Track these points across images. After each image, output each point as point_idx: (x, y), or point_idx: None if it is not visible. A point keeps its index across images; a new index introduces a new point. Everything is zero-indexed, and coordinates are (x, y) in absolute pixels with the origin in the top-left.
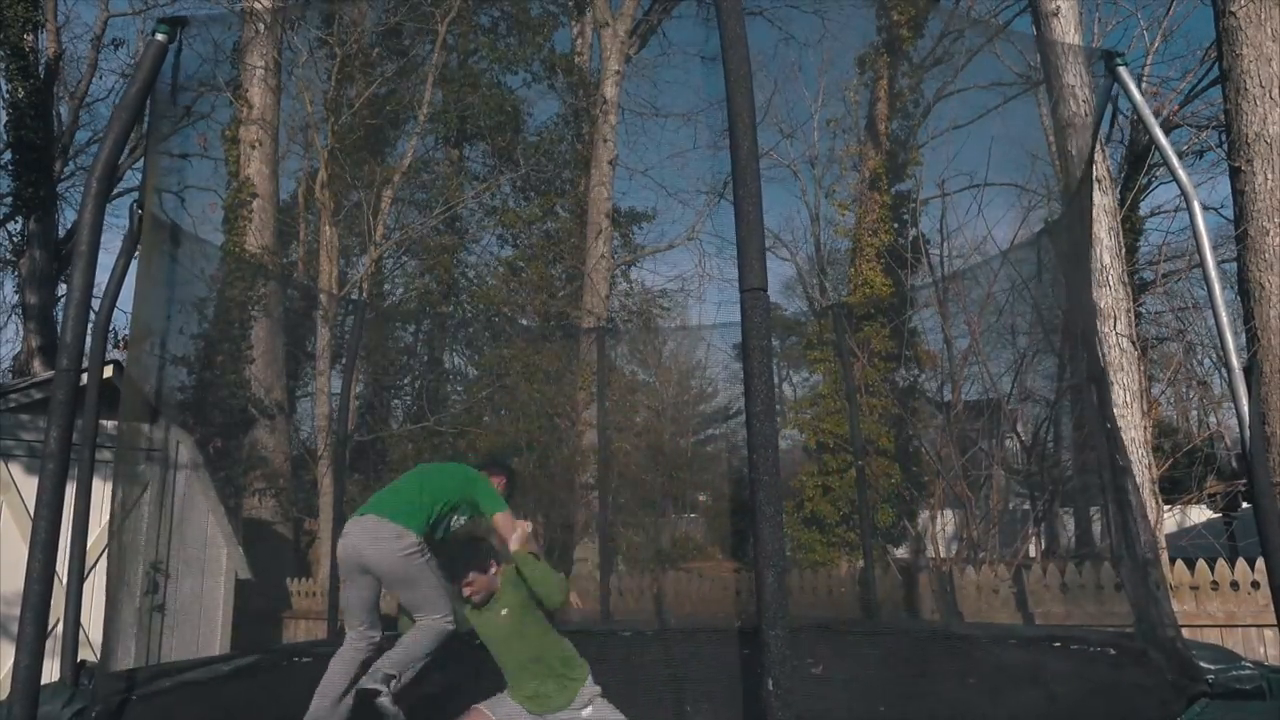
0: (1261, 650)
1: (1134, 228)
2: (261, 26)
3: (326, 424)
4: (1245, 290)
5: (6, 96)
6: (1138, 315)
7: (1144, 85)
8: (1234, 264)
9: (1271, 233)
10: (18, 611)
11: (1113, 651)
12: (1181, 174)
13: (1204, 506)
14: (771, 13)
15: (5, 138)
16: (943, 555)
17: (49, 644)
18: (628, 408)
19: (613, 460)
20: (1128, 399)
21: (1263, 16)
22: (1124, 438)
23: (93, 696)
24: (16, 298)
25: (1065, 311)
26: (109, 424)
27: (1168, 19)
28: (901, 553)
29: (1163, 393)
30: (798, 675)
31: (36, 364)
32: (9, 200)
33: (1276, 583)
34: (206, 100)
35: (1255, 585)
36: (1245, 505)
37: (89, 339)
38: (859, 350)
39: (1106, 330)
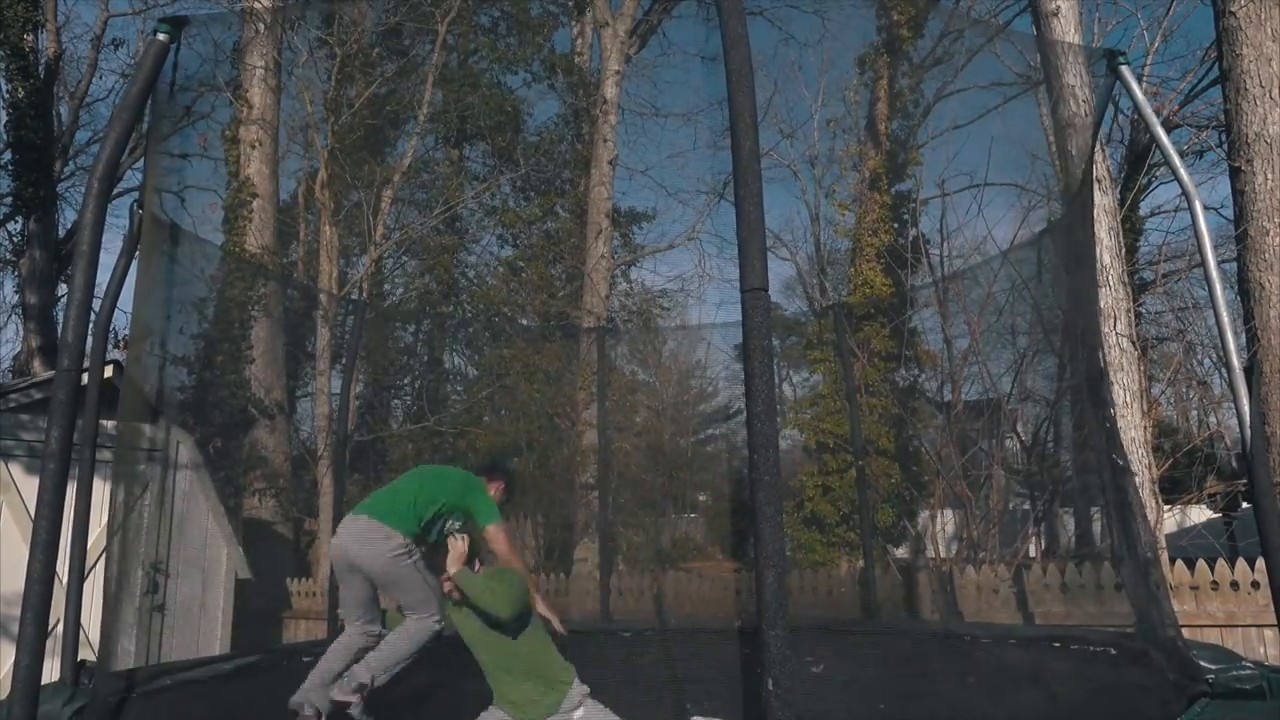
0: (1261, 650)
1: (1134, 228)
2: (261, 26)
3: (326, 424)
4: (1245, 290)
5: (6, 96)
6: (1138, 315)
7: (1144, 85)
8: (1234, 264)
9: (1271, 233)
10: (18, 611)
11: (1113, 651)
12: (1183, 173)
13: (1204, 506)
14: (771, 13)
15: (5, 138)
16: (943, 555)
17: (49, 644)
18: (628, 408)
19: (613, 460)
20: (1128, 399)
21: (1263, 16)
22: (1124, 438)
23: (92, 696)
24: (16, 298)
25: (1066, 311)
26: (109, 424)
27: (1168, 19)
28: (901, 553)
29: (1163, 393)
30: (798, 675)
31: (36, 364)
32: (9, 200)
33: (1276, 583)
34: (206, 100)
35: (1255, 585)
36: (1245, 505)
37: (89, 339)
38: (859, 350)
39: (1106, 330)
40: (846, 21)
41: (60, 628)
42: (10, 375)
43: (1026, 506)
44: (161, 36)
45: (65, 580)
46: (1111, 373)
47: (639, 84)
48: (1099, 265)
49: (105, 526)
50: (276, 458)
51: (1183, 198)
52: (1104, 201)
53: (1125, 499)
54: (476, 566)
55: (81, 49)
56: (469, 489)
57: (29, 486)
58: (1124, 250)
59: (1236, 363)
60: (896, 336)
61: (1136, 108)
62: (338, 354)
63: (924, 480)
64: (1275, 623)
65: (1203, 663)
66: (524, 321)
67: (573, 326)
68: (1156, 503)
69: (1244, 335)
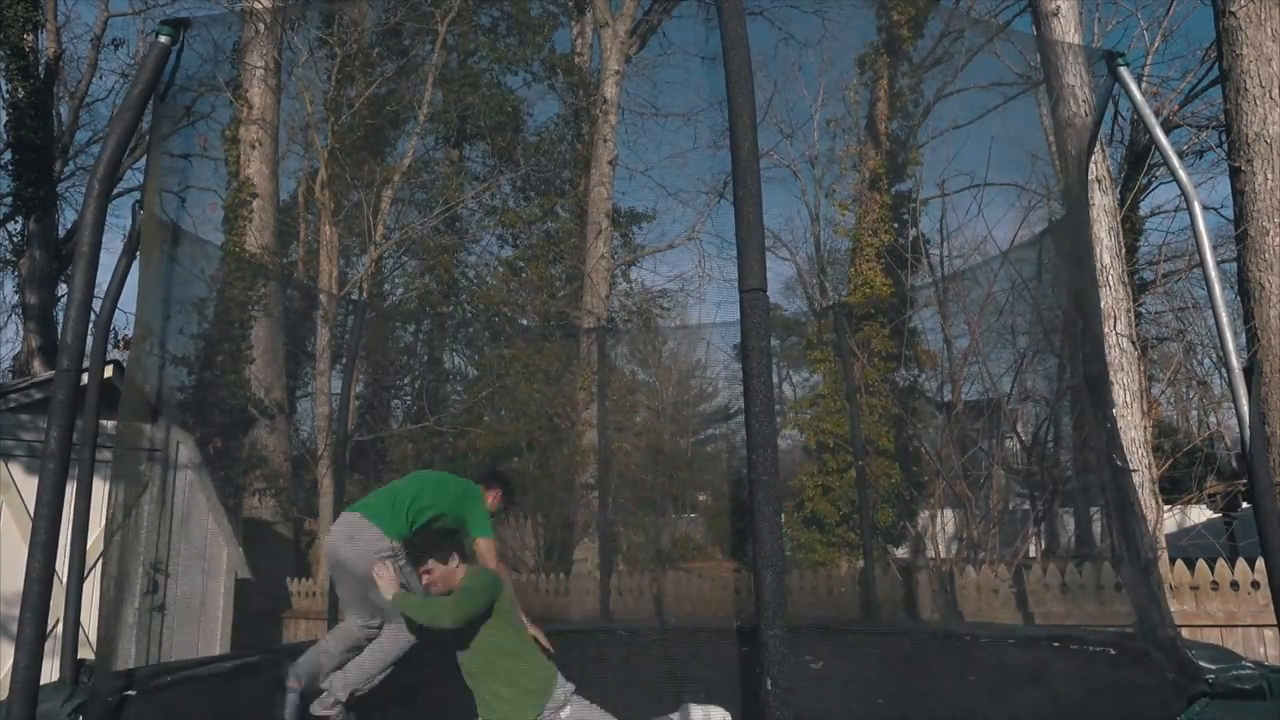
0: (1261, 650)
1: (1134, 228)
2: (261, 26)
3: (326, 424)
4: (1245, 290)
5: (6, 96)
6: (1138, 315)
7: (1144, 85)
8: (1234, 264)
9: (1271, 233)
10: (18, 611)
11: (1113, 651)
12: (1182, 174)
13: (1204, 506)
14: (771, 13)
15: (5, 138)
16: (943, 555)
17: (50, 644)
18: (628, 408)
19: (613, 460)
20: (1128, 399)
21: (1263, 16)
22: (1124, 438)
23: (92, 695)
24: (16, 298)
25: (1066, 311)
26: (109, 424)
27: (1168, 19)
28: (901, 553)
29: (1163, 393)
30: (797, 675)
31: (36, 364)
32: (9, 200)
33: (1276, 583)
34: (207, 100)
35: (1255, 585)
36: (1245, 505)
37: (89, 339)
38: (859, 350)
39: (1106, 330)
40: (846, 21)
41: (60, 627)
42: (10, 375)
43: (1026, 506)
44: (163, 38)
45: (65, 580)
46: (1111, 373)
47: (639, 84)
48: (1099, 265)
49: (105, 526)
50: (276, 458)
51: (1182, 198)
52: (1104, 201)
53: (1125, 499)
54: (455, 560)
55: (81, 49)
56: (466, 498)
57: (29, 486)
58: (1124, 250)
59: (1236, 363)
60: (896, 336)
61: (1135, 109)
62: (338, 354)
63: (924, 480)
64: (1275, 623)
65: (1202, 663)
66: (524, 321)
67: (573, 326)
68: (1156, 503)
69: (1244, 335)
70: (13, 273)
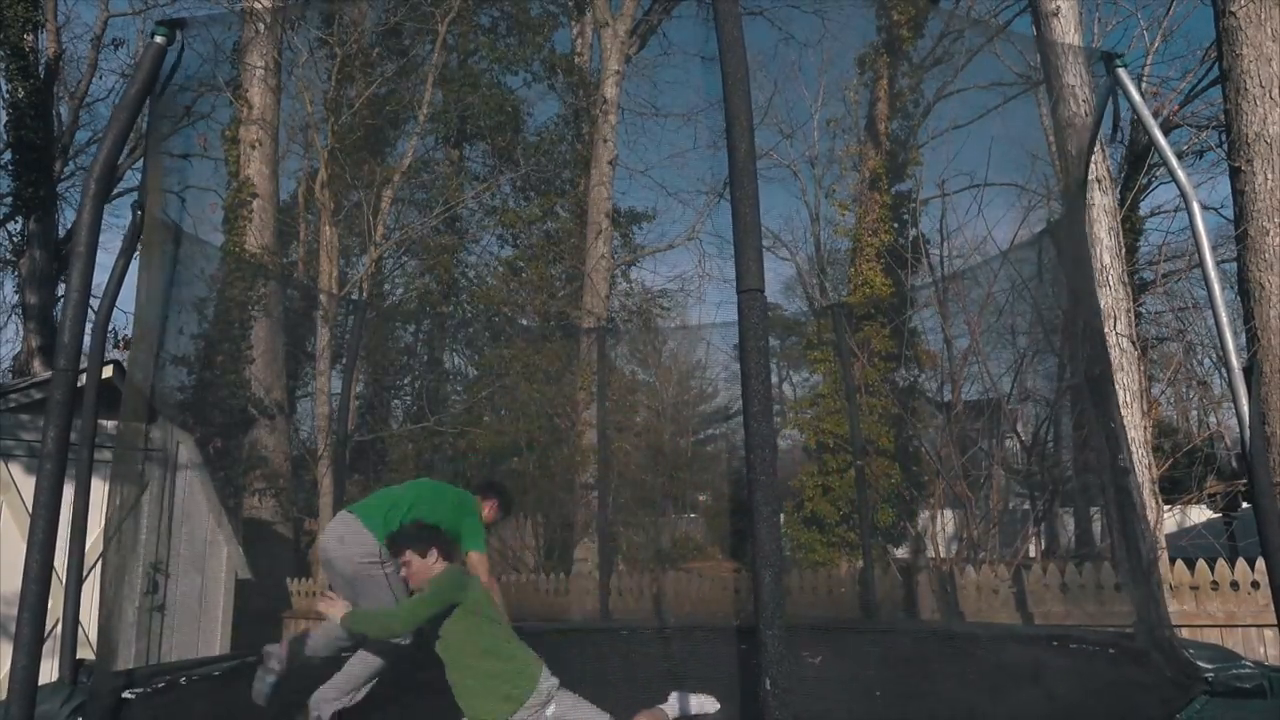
0: (1261, 650)
1: (1134, 228)
2: (261, 26)
3: (326, 424)
4: (1245, 290)
5: (6, 96)
6: (1138, 315)
7: (1144, 85)
8: (1234, 264)
9: (1271, 233)
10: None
11: (1112, 651)
12: (1180, 174)
13: (1204, 506)
14: (771, 13)
15: (5, 138)
16: (943, 555)
17: (50, 644)
18: (628, 408)
19: (613, 460)
20: (1128, 399)
21: (1263, 16)
22: (1125, 438)
23: (91, 695)
24: (16, 298)
25: (1067, 311)
26: (109, 424)
27: (1168, 19)
28: (901, 553)
29: (1163, 393)
30: (795, 675)
31: (36, 364)
32: (9, 200)
33: (1276, 583)
34: (206, 100)
35: (1255, 585)
36: (1245, 505)
37: (88, 339)
38: (859, 350)
39: (1107, 330)
40: (846, 21)
41: (60, 628)
42: (10, 375)
43: (1026, 506)
44: (159, 39)
45: (64, 580)
46: (1111, 373)
47: (639, 84)
48: (1099, 265)
49: (105, 527)
50: (276, 458)
51: (1182, 198)
52: (1104, 201)
53: (1126, 499)
54: (433, 555)
55: (81, 49)
56: (462, 511)
57: (29, 486)
58: (1124, 250)
59: (1236, 363)
60: (896, 336)
61: (1134, 110)
62: (338, 354)
63: (924, 480)
64: (1275, 623)
65: (1202, 662)
66: (524, 321)
67: (573, 326)
68: (1156, 503)
69: (1244, 335)
70: (13, 273)
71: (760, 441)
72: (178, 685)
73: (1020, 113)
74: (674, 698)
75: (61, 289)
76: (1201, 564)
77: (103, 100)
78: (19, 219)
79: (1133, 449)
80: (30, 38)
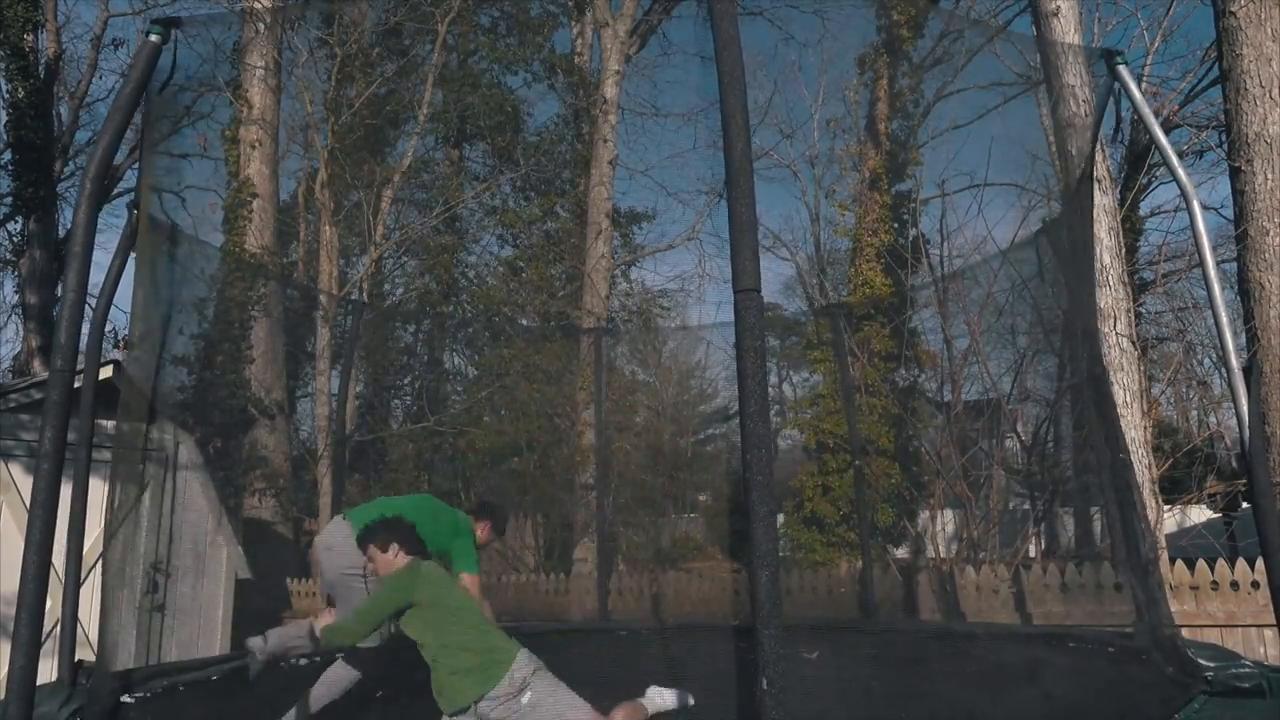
0: (1261, 650)
1: (1134, 228)
2: (261, 26)
3: (326, 424)
4: (1245, 290)
5: (6, 96)
6: (1138, 315)
7: (1144, 85)
8: (1234, 264)
9: (1271, 233)
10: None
11: (1112, 650)
12: (1181, 174)
13: (1204, 506)
14: (771, 13)
15: (5, 138)
16: (943, 555)
17: (50, 644)
18: (627, 408)
19: (613, 460)
20: (1128, 399)
21: (1263, 16)
22: (1124, 438)
23: (89, 696)
24: (16, 298)
25: (1066, 311)
26: (108, 424)
27: (1168, 19)
28: (901, 553)
29: (1163, 393)
30: (793, 674)
31: (36, 364)
32: (9, 200)
33: (1276, 583)
34: (206, 100)
35: (1255, 585)
36: (1245, 505)
37: (85, 339)
38: (859, 350)
39: (1106, 330)
40: (846, 21)
41: (59, 628)
42: (10, 375)
43: (1026, 506)
44: (154, 38)
45: (63, 580)
46: (1111, 373)
47: (639, 84)
48: (1099, 265)
49: (104, 527)
50: (276, 458)
51: (1182, 198)
52: (1104, 201)
53: (1126, 498)
54: (393, 549)
55: (81, 49)
56: (457, 533)
57: (29, 486)
58: (1124, 250)
59: (1235, 363)
60: (896, 336)
61: (1135, 108)
62: (338, 354)
63: (924, 480)
64: (1275, 623)
65: (1201, 661)
66: (524, 321)
67: (573, 326)
68: (1156, 503)
69: (1244, 335)
70: (13, 273)
71: (757, 441)
72: (177, 685)
73: (1020, 113)
74: (652, 692)
75: (61, 289)
76: (1201, 564)
77: (103, 100)
78: (19, 219)
79: (1133, 449)
80: (30, 38)
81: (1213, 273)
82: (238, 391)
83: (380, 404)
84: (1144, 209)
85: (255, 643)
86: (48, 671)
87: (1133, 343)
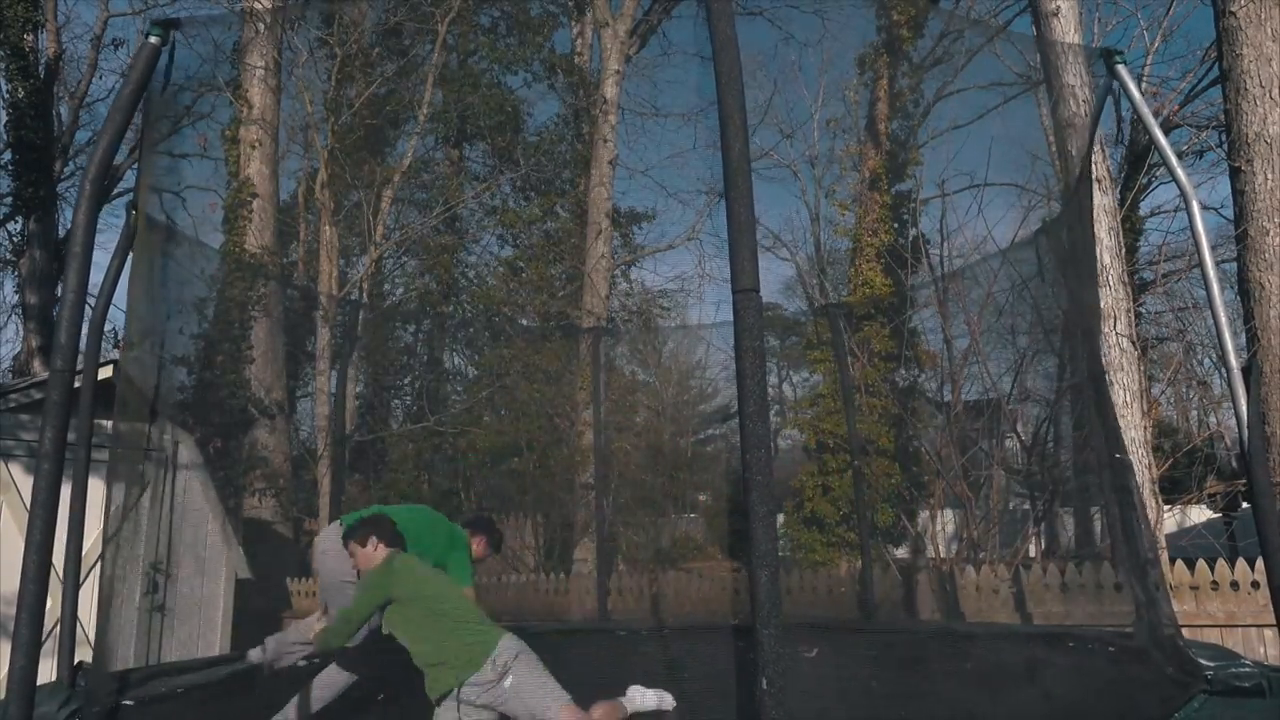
0: (1261, 650)
1: (1134, 228)
2: (261, 26)
3: (326, 424)
4: (1245, 290)
5: (6, 96)
6: (1138, 315)
7: (1144, 85)
8: (1234, 264)
9: (1271, 233)
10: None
11: (1112, 649)
12: (1180, 174)
13: (1204, 506)
14: (771, 13)
15: (5, 138)
16: (943, 555)
17: (50, 644)
18: (627, 408)
19: (612, 460)
20: (1128, 399)
21: (1263, 16)
22: (1124, 438)
23: (86, 697)
24: (16, 298)
25: (1065, 311)
26: (108, 424)
27: (1168, 19)
28: (901, 553)
29: (1163, 393)
30: (793, 674)
31: (36, 364)
32: (9, 200)
33: (1276, 583)
34: (206, 100)
35: (1255, 585)
36: (1245, 505)
37: (84, 339)
38: (859, 350)
39: (1107, 330)
40: (846, 21)
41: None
42: (10, 375)
43: (1026, 506)
44: (153, 39)
45: (62, 581)
46: (1111, 373)
47: (639, 84)
48: (1099, 265)
49: (103, 527)
50: (276, 458)
51: (1182, 198)
52: (1104, 201)
53: (1126, 498)
54: (372, 543)
55: (81, 49)
56: (452, 546)
57: (29, 486)
58: (1124, 250)
59: (1235, 363)
60: (896, 336)
61: (1134, 107)
62: (338, 354)
63: (924, 480)
64: (1275, 623)
65: (1201, 660)
66: (524, 321)
67: (573, 326)
68: (1156, 503)
69: (1244, 335)
70: (13, 273)
71: (757, 441)
72: (176, 686)
73: (1020, 113)
74: (633, 691)
75: (61, 289)
76: (1201, 564)
77: (103, 100)
78: (19, 219)
79: (1133, 449)
80: (30, 38)
81: (1212, 273)
82: (238, 391)
83: (380, 404)
84: (1144, 209)
85: (255, 653)
86: (47, 672)
87: (1133, 343)
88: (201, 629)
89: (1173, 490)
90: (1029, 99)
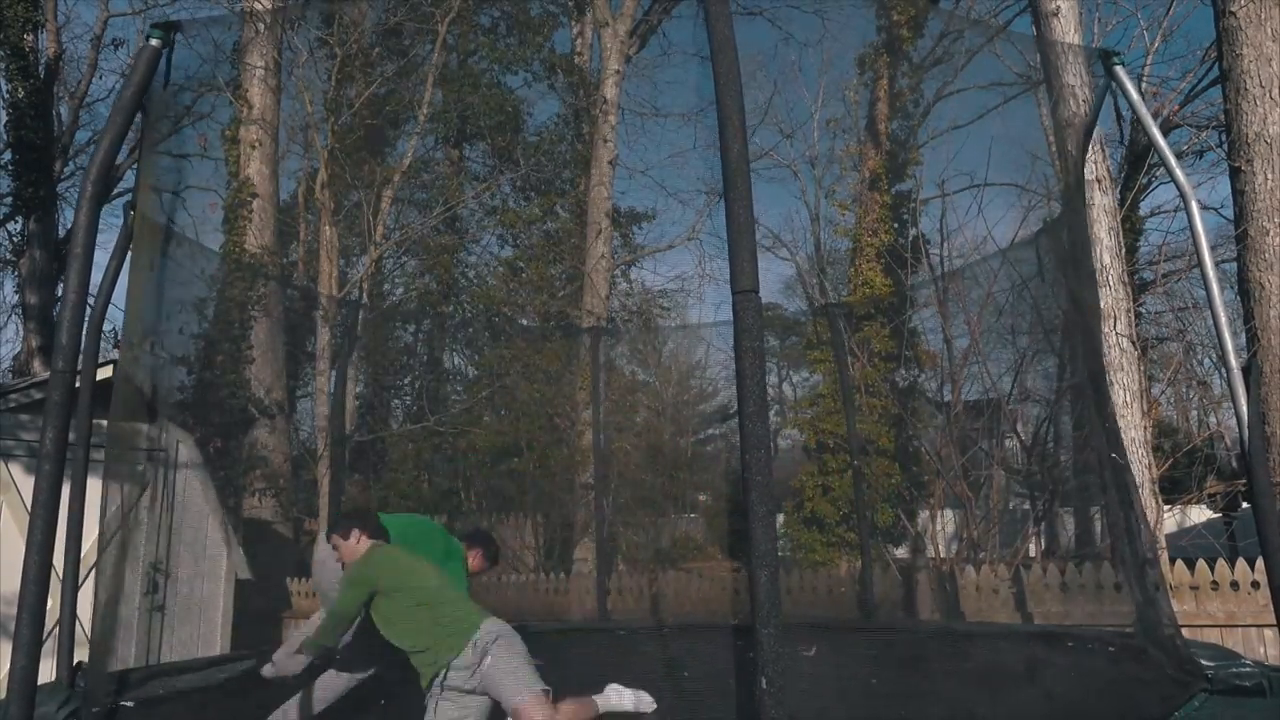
0: (1261, 650)
1: (1134, 228)
2: (261, 26)
3: (326, 424)
4: (1245, 290)
5: (6, 96)
6: (1138, 315)
7: (1144, 85)
8: (1234, 264)
9: (1271, 233)
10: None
11: (1112, 649)
12: (1179, 174)
13: (1204, 506)
14: (771, 13)
15: (5, 138)
16: (943, 555)
17: (50, 644)
18: (627, 408)
19: (612, 460)
20: (1128, 399)
21: (1263, 16)
22: (1124, 438)
23: (85, 698)
24: (16, 298)
25: (1065, 311)
26: (107, 423)
27: (1168, 19)
28: (901, 553)
29: (1163, 393)
30: (792, 673)
31: (36, 364)
32: (9, 200)
33: (1276, 583)
34: (206, 100)
35: (1255, 585)
36: (1245, 505)
37: (84, 339)
38: (859, 350)
39: (1106, 330)
40: (846, 21)
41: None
42: (10, 375)
43: (1026, 506)
44: (154, 41)
45: (62, 581)
46: (1111, 373)
47: (639, 84)
48: (1099, 265)
49: (102, 528)
50: (276, 458)
51: (1181, 198)
52: (1104, 201)
53: (1125, 498)
54: (354, 535)
55: (81, 49)
56: (449, 556)
57: (29, 486)
58: (1124, 250)
59: (1234, 363)
60: (896, 336)
61: (1132, 107)
62: (338, 354)
63: (924, 480)
64: (1275, 623)
65: (1201, 660)
66: (524, 321)
67: (573, 326)
68: (1156, 503)
69: (1244, 335)
70: (13, 273)
71: (756, 441)
72: (176, 686)
73: (1020, 113)
74: (610, 690)
75: (61, 289)
76: (1201, 564)
77: (103, 100)
78: (19, 219)
79: (1133, 449)
80: (30, 38)
81: (1212, 273)
82: (238, 391)
83: (380, 404)
84: (1144, 209)
85: (267, 670)
86: (47, 672)
87: (1133, 343)
88: (201, 629)
89: (1173, 490)
90: (1029, 99)
